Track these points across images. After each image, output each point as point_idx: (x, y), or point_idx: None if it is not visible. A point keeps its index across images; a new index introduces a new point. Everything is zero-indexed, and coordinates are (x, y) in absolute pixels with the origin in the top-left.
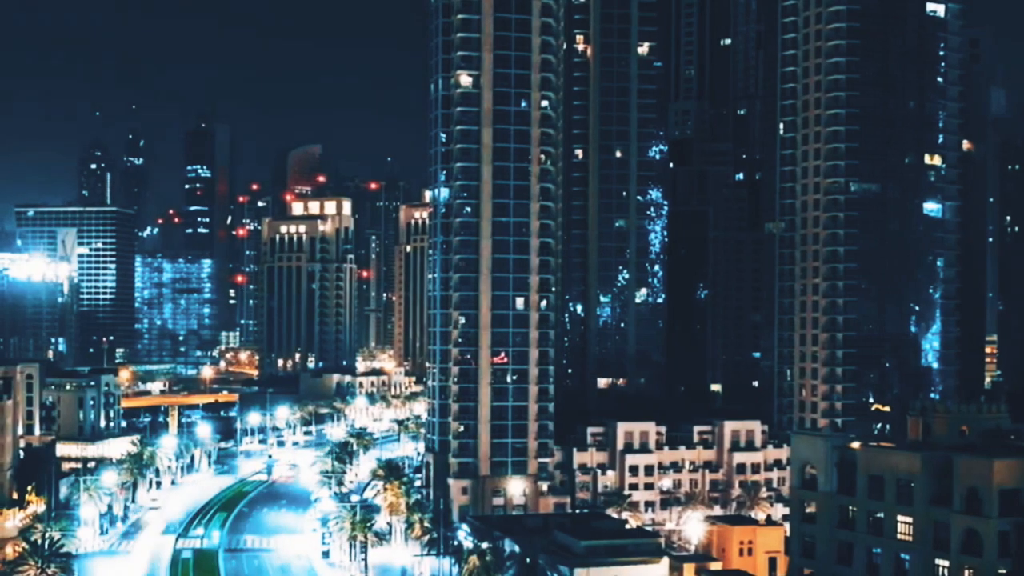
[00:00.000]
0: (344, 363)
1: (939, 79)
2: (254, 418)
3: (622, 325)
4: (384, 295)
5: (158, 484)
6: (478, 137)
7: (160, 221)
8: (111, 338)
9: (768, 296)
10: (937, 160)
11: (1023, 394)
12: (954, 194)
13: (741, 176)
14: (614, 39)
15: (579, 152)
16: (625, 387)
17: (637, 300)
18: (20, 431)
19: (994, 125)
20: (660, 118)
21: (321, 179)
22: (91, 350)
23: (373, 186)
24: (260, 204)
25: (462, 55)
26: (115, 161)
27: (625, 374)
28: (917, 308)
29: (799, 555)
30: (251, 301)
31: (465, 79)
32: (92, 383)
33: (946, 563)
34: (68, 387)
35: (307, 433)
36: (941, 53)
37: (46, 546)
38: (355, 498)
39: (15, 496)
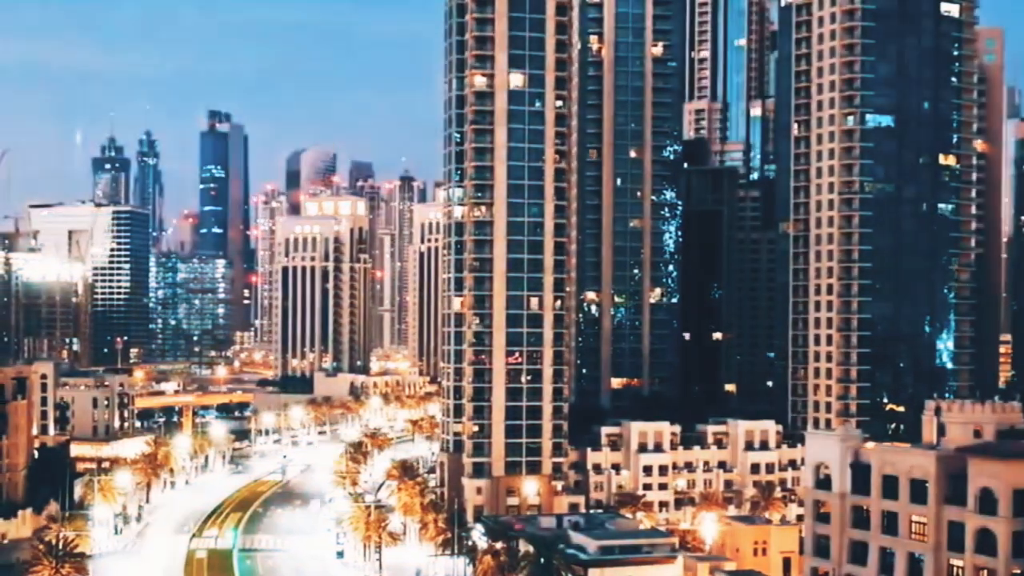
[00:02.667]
0: (358, 363)
1: (954, 79)
2: (268, 418)
3: (636, 325)
4: (398, 295)
5: (172, 484)
6: (492, 137)
7: (174, 221)
8: (125, 338)
9: (782, 296)
10: (952, 160)
11: None
12: (969, 194)
13: (755, 176)
14: (629, 39)
15: (593, 152)
16: (639, 387)
17: (651, 300)
18: (34, 431)
19: (1011, 124)
20: (674, 118)
21: (335, 179)
22: (105, 350)
23: (387, 186)
24: (274, 204)
25: (476, 55)
26: (130, 161)
27: (639, 374)
28: (931, 308)
29: (813, 555)
30: (265, 301)
31: (479, 79)
32: (106, 383)
33: (960, 563)
34: (82, 387)
35: (321, 433)
36: (956, 53)
37: (60, 546)
38: (369, 498)
39: (30, 496)
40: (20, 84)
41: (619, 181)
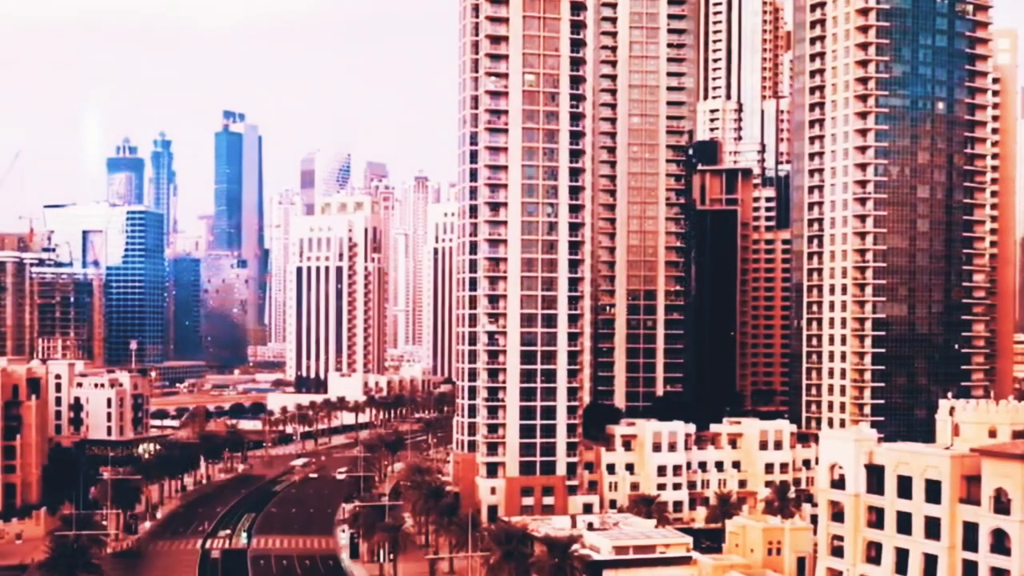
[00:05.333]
0: (373, 362)
1: (968, 79)
2: (283, 417)
3: (650, 325)
4: (413, 295)
5: (184, 486)
6: (506, 137)
7: (190, 221)
8: (141, 338)
9: (797, 296)
10: (965, 160)
11: None
12: (982, 194)
13: (770, 175)
14: (643, 39)
15: (607, 152)
16: (654, 387)
17: (665, 300)
18: (49, 431)
19: None
20: (689, 117)
21: (350, 178)
22: (120, 350)
23: (402, 186)
24: (289, 205)
25: (490, 54)
26: (145, 162)
27: (653, 374)
28: (945, 308)
29: (828, 555)
30: (279, 301)
31: (493, 79)
32: (121, 383)
33: (975, 562)
34: (97, 387)
35: (335, 433)
36: (970, 53)
37: (74, 546)
38: (384, 499)
39: (44, 496)
40: (32, 84)
41: (633, 181)
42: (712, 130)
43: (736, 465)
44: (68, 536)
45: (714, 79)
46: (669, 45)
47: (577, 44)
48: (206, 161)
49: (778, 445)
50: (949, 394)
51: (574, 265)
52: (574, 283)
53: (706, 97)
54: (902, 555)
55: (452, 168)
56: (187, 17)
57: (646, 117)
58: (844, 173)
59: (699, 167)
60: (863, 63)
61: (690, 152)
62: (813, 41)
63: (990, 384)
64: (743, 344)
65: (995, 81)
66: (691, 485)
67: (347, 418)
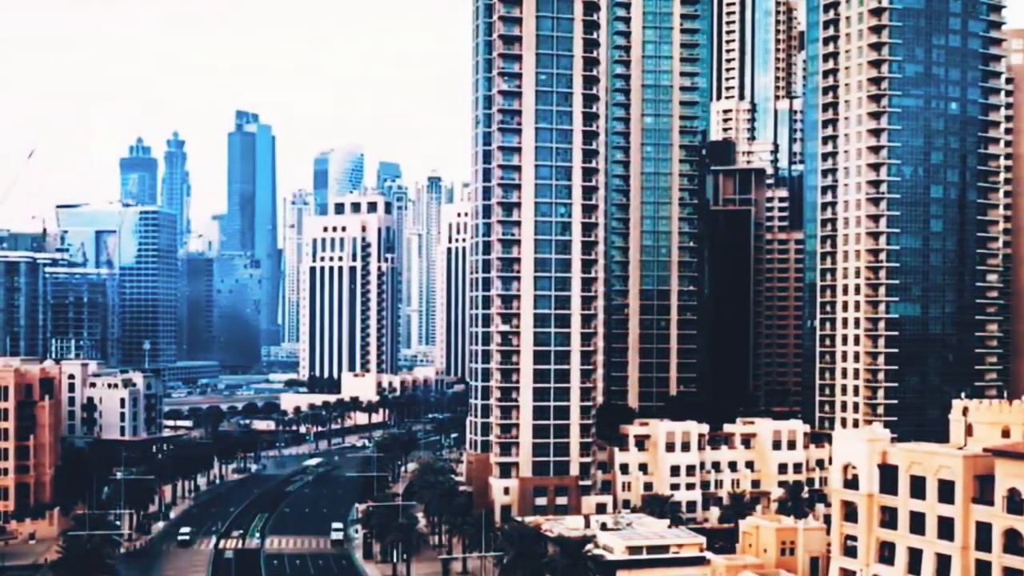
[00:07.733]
0: (386, 362)
1: (982, 78)
2: (296, 417)
3: (664, 325)
4: (426, 294)
5: (197, 486)
6: (520, 137)
7: (203, 222)
8: (154, 338)
9: (810, 296)
10: (979, 160)
11: None
12: (996, 194)
13: (783, 175)
14: (656, 39)
15: (621, 152)
16: (667, 387)
17: (679, 300)
18: (62, 431)
19: None
20: (702, 117)
21: (363, 179)
22: (133, 351)
23: (416, 185)
24: (303, 204)
25: (503, 54)
26: (158, 162)
27: (667, 374)
28: (959, 307)
29: (841, 554)
30: (294, 301)
31: (507, 79)
32: (134, 384)
33: (988, 562)
34: (110, 387)
35: (349, 433)
36: (983, 53)
37: (87, 546)
38: (398, 499)
39: (57, 496)
40: (44, 84)
41: (646, 181)
42: (725, 130)
43: (749, 465)
44: (81, 536)
45: (727, 79)
46: (682, 45)
47: (590, 44)
48: (219, 161)
49: (791, 445)
50: (962, 394)
51: (587, 265)
52: (587, 283)
53: (719, 97)
54: (915, 555)
55: (465, 168)
56: (197, 17)
57: (659, 117)
58: (857, 173)
59: (712, 167)
60: (876, 63)
61: (703, 152)
62: (826, 41)
63: (1004, 384)
64: (756, 344)
65: (1009, 81)
66: (704, 485)
67: (360, 418)
